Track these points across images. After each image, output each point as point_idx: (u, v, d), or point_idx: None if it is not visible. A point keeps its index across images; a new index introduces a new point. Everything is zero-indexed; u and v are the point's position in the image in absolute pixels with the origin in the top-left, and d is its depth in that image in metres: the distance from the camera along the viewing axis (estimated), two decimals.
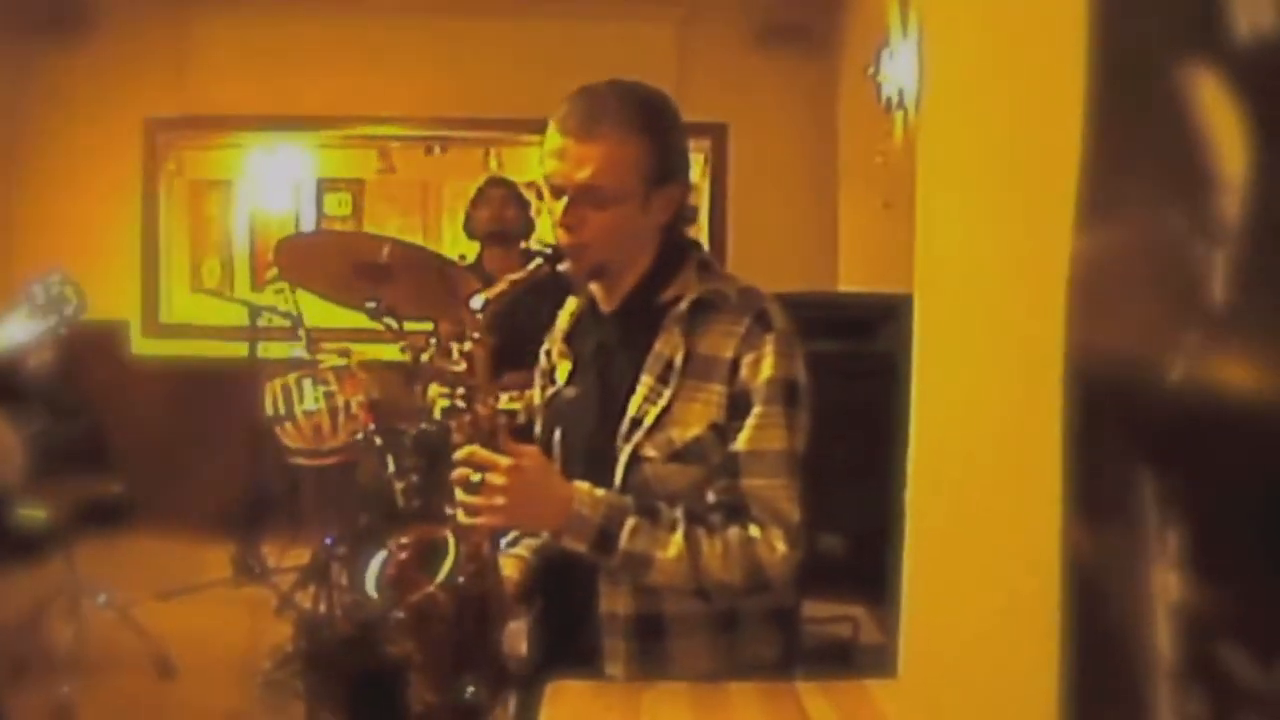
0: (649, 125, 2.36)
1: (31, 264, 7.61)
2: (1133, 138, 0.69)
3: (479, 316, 2.36)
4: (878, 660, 1.20)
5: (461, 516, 2.32)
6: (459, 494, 2.30)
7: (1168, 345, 0.60)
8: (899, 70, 5.44)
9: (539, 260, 2.38)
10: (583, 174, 2.31)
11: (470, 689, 2.38)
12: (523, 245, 2.29)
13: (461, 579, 2.36)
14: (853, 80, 6.76)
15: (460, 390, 2.38)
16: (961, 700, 0.97)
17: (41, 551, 5.61)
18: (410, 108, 7.54)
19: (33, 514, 5.52)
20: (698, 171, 7.98)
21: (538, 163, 2.41)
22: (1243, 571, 0.56)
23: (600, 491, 2.32)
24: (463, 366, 2.36)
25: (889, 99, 5.62)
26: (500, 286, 2.37)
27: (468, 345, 2.36)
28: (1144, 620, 0.63)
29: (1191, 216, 0.58)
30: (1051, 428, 0.76)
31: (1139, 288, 0.66)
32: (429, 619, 2.38)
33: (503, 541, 2.55)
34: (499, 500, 2.26)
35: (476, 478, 2.27)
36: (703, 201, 7.97)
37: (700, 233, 7.87)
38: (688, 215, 2.52)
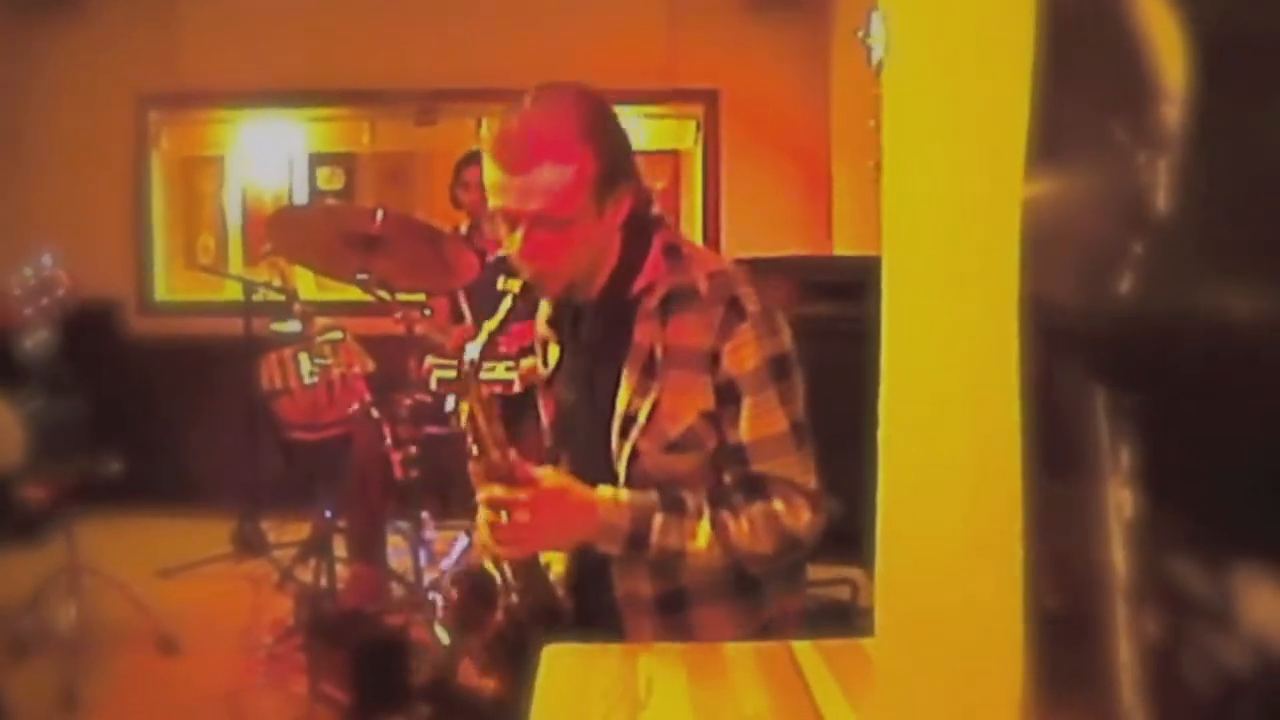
0: (585, 137, 2.27)
1: (22, 244, 7.63)
2: (1078, 57, 0.69)
3: (472, 370, 2.39)
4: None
5: (500, 554, 2.41)
6: (492, 533, 2.35)
7: (1116, 259, 0.60)
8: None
9: (510, 299, 2.35)
10: (531, 205, 2.25)
11: None
12: (498, 286, 2.30)
13: (515, 597, 2.45)
14: (844, 44, 6.74)
15: (471, 441, 2.40)
16: (933, 639, 0.98)
17: (41, 531, 5.63)
18: (400, 79, 7.52)
19: (32, 493, 5.53)
20: (689, 138, 7.96)
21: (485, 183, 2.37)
22: (1189, 483, 0.56)
23: (624, 494, 2.34)
24: (465, 422, 2.39)
25: (879, 62, 5.60)
26: (482, 338, 2.35)
27: (465, 406, 2.39)
28: (1101, 541, 0.63)
29: (1135, 129, 0.59)
30: (1012, 364, 0.76)
31: (1088, 205, 0.66)
32: (500, 645, 2.46)
33: None
34: (529, 533, 2.32)
35: (504, 518, 2.31)
36: (695, 168, 7.97)
37: (693, 199, 7.86)
38: (645, 202, 2.46)
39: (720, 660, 2.11)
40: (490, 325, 2.36)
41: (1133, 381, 0.61)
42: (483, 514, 2.35)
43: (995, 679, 0.84)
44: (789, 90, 7.67)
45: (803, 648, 2.15)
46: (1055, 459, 0.72)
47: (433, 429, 4.84)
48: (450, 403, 2.47)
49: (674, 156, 7.99)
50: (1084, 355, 0.66)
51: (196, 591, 5.84)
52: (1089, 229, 0.66)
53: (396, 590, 5.38)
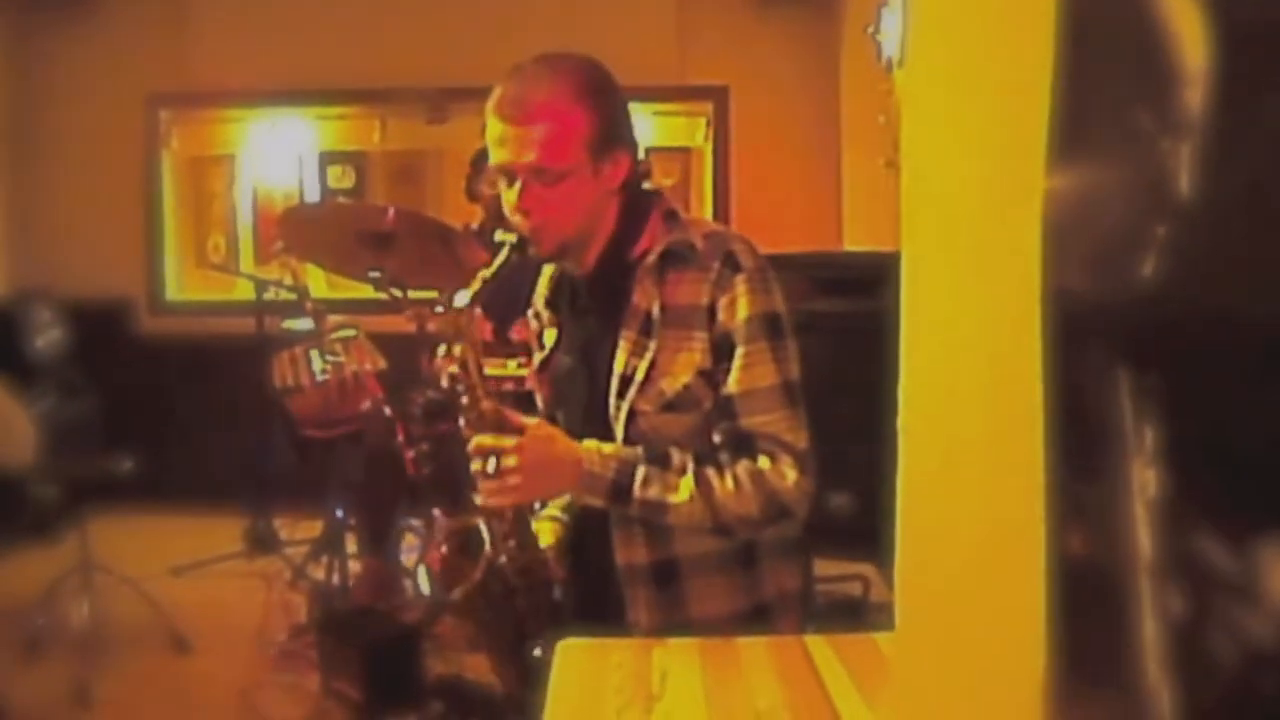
0: (584, 95, 2.36)
1: (35, 244, 7.66)
2: (1100, 44, 0.69)
3: (463, 315, 2.43)
4: (888, 617, 1.20)
5: (486, 503, 2.41)
6: (479, 483, 2.38)
7: (1139, 242, 0.61)
8: (899, 28, 5.42)
9: (506, 249, 2.41)
10: (528, 156, 2.33)
11: (536, 652, 2.47)
12: (495, 238, 2.36)
13: (504, 557, 2.47)
14: (854, 40, 6.74)
15: (461, 390, 2.44)
16: (954, 629, 0.98)
17: (54, 529, 5.65)
18: (410, 78, 7.53)
19: (44, 492, 5.55)
20: (700, 135, 7.96)
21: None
22: (1213, 460, 0.57)
23: (609, 447, 2.38)
24: (456, 369, 2.41)
25: (890, 58, 5.60)
26: (475, 285, 2.41)
27: (457, 348, 2.42)
28: (1125, 522, 0.64)
29: (1157, 113, 0.59)
30: (1033, 352, 0.77)
31: (1112, 191, 0.67)
32: (483, 602, 2.49)
33: (534, 507, 2.62)
34: (515, 480, 2.33)
35: (491, 467, 2.34)
36: (705, 164, 7.96)
37: (704, 196, 7.86)
38: (642, 173, 2.54)
39: (734, 654, 2.12)
40: (485, 273, 2.41)
41: (1156, 361, 0.61)
42: (473, 466, 2.38)
43: (1017, 669, 0.84)
44: (799, 87, 7.67)
45: (816, 642, 2.16)
46: (1078, 444, 0.72)
47: (445, 426, 4.84)
48: (441, 349, 2.49)
49: (684, 154, 7.98)
50: (1107, 337, 0.67)
51: (209, 589, 5.85)
52: (1113, 214, 0.66)
53: (409, 588, 5.39)
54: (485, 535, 2.45)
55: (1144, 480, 0.62)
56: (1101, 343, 0.68)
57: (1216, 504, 0.56)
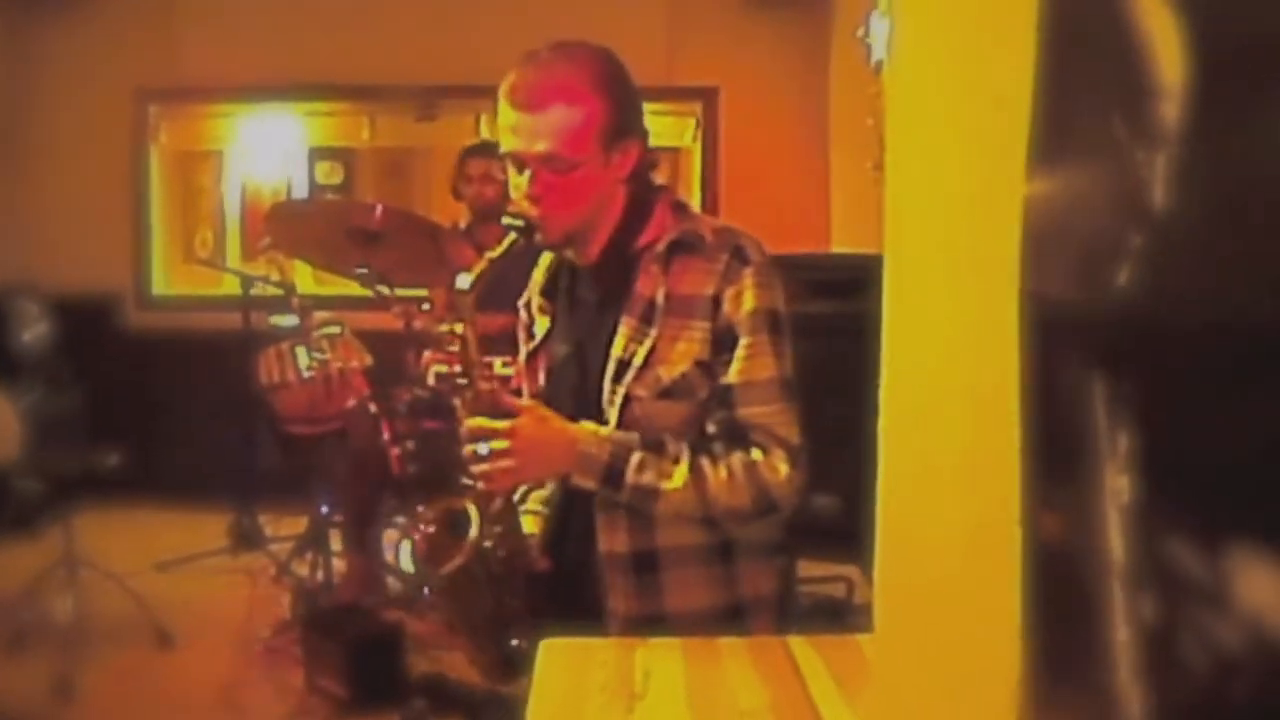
0: (597, 85, 2.37)
1: (22, 237, 7.64)
2: (1079, 56, 0.70)
3: (466, 296, 2.43)
4: (871, 619, 1.21)
5: (481, 485, 2.41)
6: (473, 466, 2.38)
7: (1115, 251, 0.61)
8: (887, 32, 5.42)
9: (513, 235, 2.42)
10: (540, 146, 2.34)
11: (514, 641, 2.48)
12: (503, 222, 2.40)
13: (488, 542, 2.47)
14: (843, 43, 6.74)
15: (458, 370, 2.45)
16: (931, 631, 0.99)
17: (38, 523, 5.63)
18: (400, 75, 7.52)
19: (28, 486, 5.54)
20: (688, 135, 7.95)
21: (495, 134, 2.44)
22: (1186, 467, 0.57)
23: (605, 430, 2.39)
24: (456, 348, 2.42)
25: (879, 61, 5.60)
26: (480, 266, 2.42)
27: (459, 328, 2.43)
28: (1098, 527, 0.64)
29: (1134, 125, 0.60)
30: (1011, 357, 0.77)
31: (1088, 200, 0.67)
32: (466, 585, 2.49)
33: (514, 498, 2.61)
34: (509, 463, 2.35)
35: (485, 449, 2.35)
36: (694, 165, 7.96)
37: (692, 197, 7.85)
38: (650, 163, 2.55)
39: (716, 654, 2.12)
40: (491, 254, 2.43)
41: (1130, 368, 0.62)
42: (467, 449, 2.39)
43: (993, 671, 0.85)
44: (788, 88, 7.67)
45: (798, 643, 2.16)
46: (1053, 449, 0.73)
47: (430, 424, 4.84)
48: (444, 327, 2.51)
49: (673, 154, 7.97)
50: (1083, 344, 0.68)
51: (193, 585, 5.83)
52: (1089, 222, 0.67)
53: (392, 585, 5.39)
54: (474, 518, 2.45)
55: (1117, 486, 0.62)
56: (1078, 350, 0.68)
57: (1188, 511, 0.57)
